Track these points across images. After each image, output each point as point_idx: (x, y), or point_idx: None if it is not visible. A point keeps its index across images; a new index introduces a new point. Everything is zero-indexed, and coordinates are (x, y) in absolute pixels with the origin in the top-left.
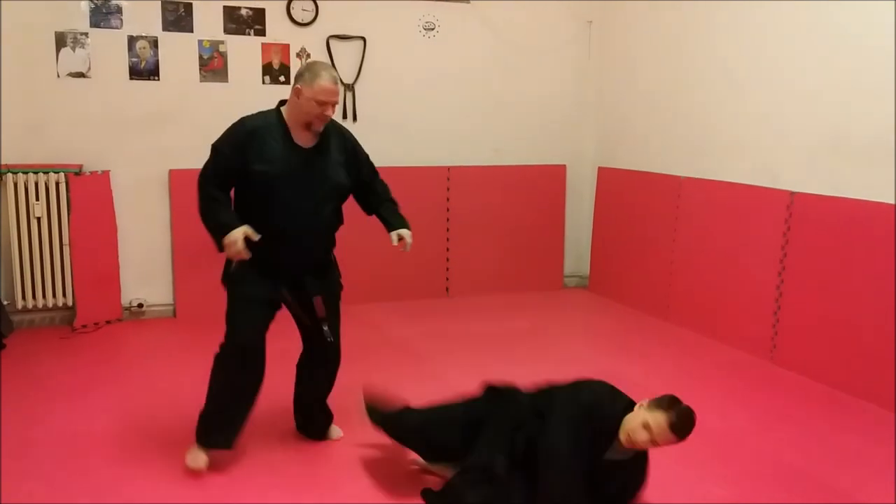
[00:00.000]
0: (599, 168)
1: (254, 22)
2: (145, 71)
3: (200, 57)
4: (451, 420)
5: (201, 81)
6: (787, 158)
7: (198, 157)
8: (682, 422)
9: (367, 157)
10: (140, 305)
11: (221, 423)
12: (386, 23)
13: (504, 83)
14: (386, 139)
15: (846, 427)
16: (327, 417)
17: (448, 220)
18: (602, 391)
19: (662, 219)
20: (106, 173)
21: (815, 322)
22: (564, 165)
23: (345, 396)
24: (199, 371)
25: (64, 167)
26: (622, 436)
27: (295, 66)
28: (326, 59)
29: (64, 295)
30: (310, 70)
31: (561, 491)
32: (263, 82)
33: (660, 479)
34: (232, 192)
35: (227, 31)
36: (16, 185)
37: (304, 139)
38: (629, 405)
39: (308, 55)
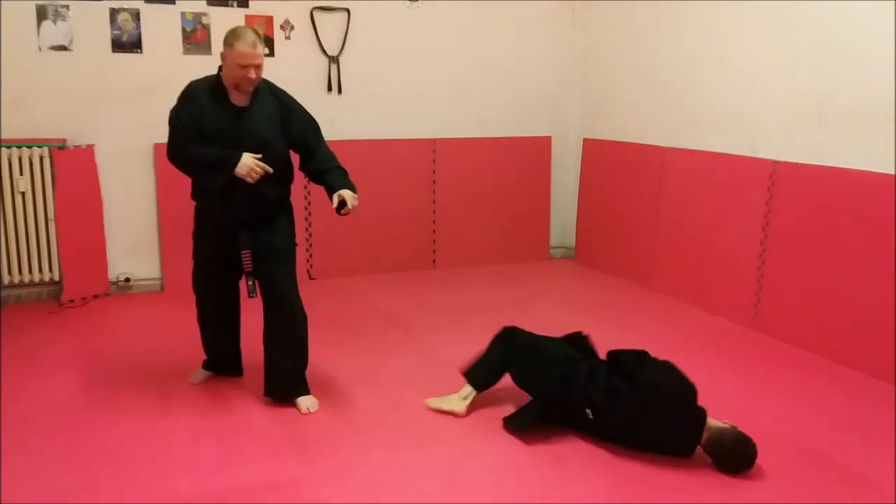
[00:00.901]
0: (584, 139)
1: None
2: (128, 44)
3: (183, 29)
4: (555, 357)
5: (184, 54)
6: (770, 128)
7: None
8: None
9: (308, 121)
10: (127, 280)
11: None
12: None
13: (489, 55)
14: (372, 112)
15: (827, 392)
16: (297, 382)
17: (434, 192)
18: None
19: (647, 189)
20: (90, 147)
21: (797, 289)
22: (550, 137)
23: (331, 367)
24: (187, 345)
25: (48, 141)
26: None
27: (279, 38)
28: (311, 32)
29: (50, 270)
30: (232, 35)
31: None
32: None
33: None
34: None
35: (210, 2)
36: None
37: (238, 99)
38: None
39: (292, 27)
